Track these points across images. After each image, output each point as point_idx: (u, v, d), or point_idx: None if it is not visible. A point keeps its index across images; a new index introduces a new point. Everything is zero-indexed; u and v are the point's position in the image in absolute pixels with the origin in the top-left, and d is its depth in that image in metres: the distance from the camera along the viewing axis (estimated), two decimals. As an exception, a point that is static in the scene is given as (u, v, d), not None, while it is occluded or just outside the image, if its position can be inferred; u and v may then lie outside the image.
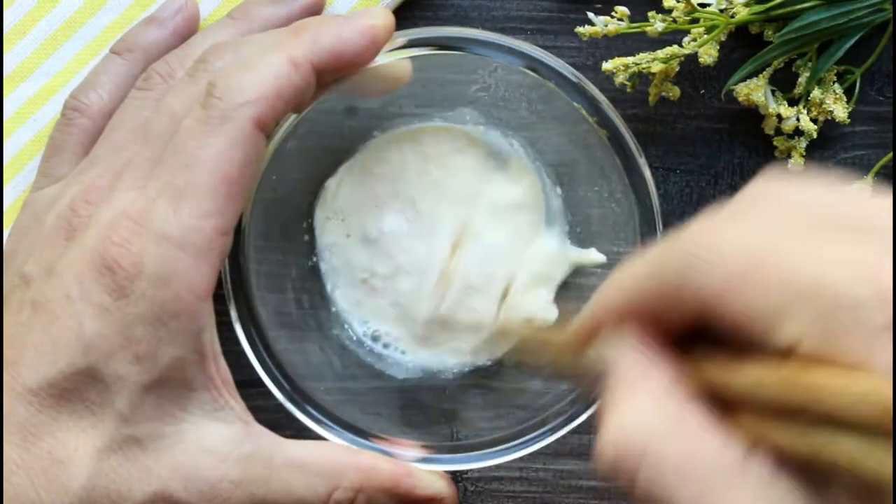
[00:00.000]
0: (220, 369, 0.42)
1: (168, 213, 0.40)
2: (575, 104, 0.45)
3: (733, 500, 0.28)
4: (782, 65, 0.50)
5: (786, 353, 0.27)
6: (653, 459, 0.29)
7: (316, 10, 0.48)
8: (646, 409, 0.30)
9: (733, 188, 0.51)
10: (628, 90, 0.49)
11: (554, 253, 0.50)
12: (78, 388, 0.39)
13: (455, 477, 0.52)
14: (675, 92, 0.49)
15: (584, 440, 0.52)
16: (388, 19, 0.43)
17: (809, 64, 0.49)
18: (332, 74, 0.43)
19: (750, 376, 0.28)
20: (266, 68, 0.41)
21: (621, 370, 0.31)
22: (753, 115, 0.51)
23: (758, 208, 0.29)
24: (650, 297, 0.31)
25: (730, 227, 0.29)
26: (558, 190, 0.50)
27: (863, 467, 0.25)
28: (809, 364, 0.27)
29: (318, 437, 0.45)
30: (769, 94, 0.49)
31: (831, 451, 0.26)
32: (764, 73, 0.49)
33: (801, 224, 0.28)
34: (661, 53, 0.48)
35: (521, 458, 0.46)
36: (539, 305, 0.50)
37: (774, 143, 0.51)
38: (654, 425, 0.29)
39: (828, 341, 0.26)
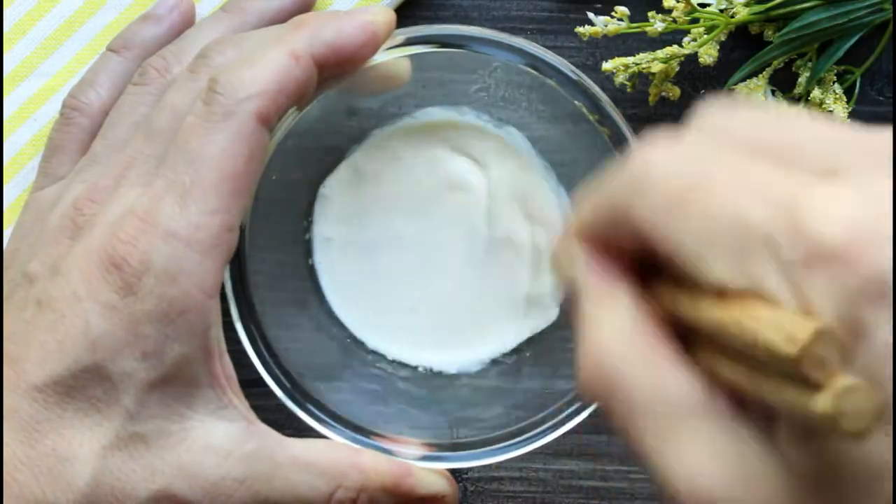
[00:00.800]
0: (225, 367, 0.42)
1: (175, 210, 0.40)
2: (576, 102, 0.45)
3: (694, 438, 0.28)
4: (782, 65, 0.50)
5: (720, 291, 0.27)
6: (624, 390, 0.29)
7: (309, 3, 0.48)
8: (615, 338, 0.29)
9: (733, 188, 0.51)
10: (628, 90, 0.49)
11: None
12: (84, 386, 0.39)
13: (455, 477, 0.52)
14: (675, 92, 0.49)
15: (584, 440, 0.52)
16: (388, 16, 0.43)
17: (809, 64, 0.49)
18: (333, 69, 0.43)
19: (692, 309, 0.28)
20: (267, 62, 0.41)
21: (587, 293, 0.30)
22: (753, 115, 0.51)
23: (700, 133, 0.29)
24: (603, 226, 0.30)
25: (669, 154, 0.28)
26: (560, 189, 0.50)
27: (798, 409, 0.25)
28: (736, 301, 0.26)
29: (319, 436, 0.45)
30: (769, 94, 0.49)
31: (770, 391, 0.26)
32: (764, 73, 0.49)
33: (735, 152, 0.28)
34: (660, 53, 0.48)
35: (520, 458, 0.46)
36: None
37: (774, 142, 0.51)
38: (623, 355, 0.29)
39: (749, 279, 0.26)
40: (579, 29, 0.48)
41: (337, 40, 0.42)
